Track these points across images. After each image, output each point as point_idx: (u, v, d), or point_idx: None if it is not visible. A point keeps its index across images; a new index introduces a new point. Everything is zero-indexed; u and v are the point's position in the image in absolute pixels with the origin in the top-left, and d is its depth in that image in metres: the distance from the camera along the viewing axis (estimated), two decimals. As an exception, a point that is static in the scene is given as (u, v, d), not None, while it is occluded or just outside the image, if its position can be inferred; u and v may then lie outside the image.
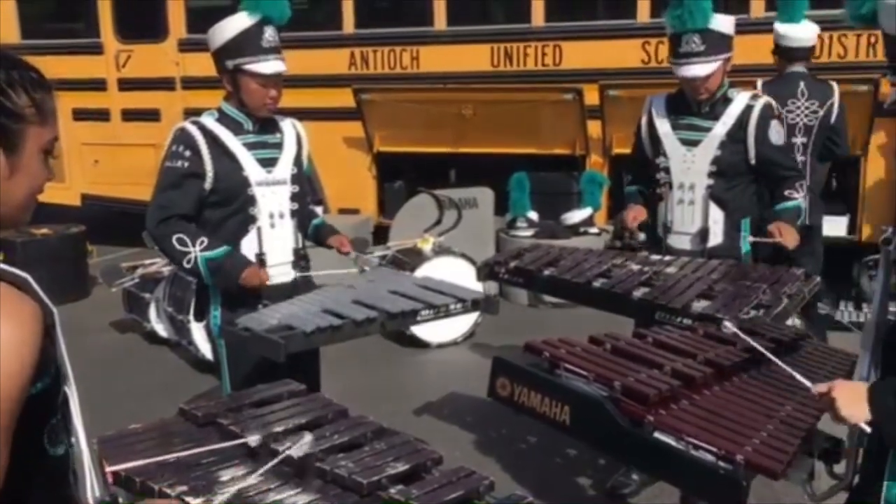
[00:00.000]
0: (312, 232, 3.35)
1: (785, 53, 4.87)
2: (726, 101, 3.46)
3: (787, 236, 3.33)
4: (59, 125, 1.37)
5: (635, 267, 3.28)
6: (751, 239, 3.43)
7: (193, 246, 2.94)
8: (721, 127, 3.44)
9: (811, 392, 1.81)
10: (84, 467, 1.36)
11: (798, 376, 1.88)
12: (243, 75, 2.98)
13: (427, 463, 1.90)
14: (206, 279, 3.01)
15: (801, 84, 4.84)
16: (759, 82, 4.89)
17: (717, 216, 3.47)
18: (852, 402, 1.71)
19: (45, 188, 1.36)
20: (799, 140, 4.86)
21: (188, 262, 2.96)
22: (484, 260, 3.70)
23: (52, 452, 1.27)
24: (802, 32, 4.85)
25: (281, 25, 3.04)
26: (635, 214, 3.58)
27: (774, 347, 2.36)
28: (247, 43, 2.94)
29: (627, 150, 4.08)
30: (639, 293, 3.03)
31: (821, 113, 4.84)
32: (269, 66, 2.97)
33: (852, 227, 6.32)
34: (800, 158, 4.76)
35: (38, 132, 1.30)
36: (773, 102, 3.53)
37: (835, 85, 4.93)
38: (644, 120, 3.65)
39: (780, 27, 4.82)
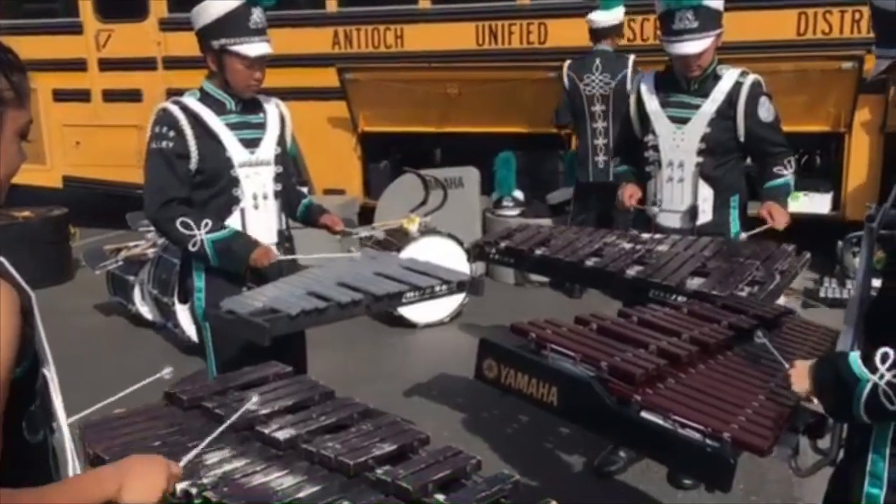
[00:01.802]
0: (302, 212, 3.33)
1: (592, 34, 5.97)
2: (716, 77, 3.45)
3: (778, 217, 3.36)
4: (31, 108, 1.34)
5: (627, 245, 3.28)
6: (744, 236, 3.41)
7: (198, 229, 2.92)
8: (710, 104, 3.43)
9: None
10: (66, 452, 1.35)
11: (786, 365, 1.90)
12: (229, 56, 2.94)
13: (414, 443, 1.90)
14: (213, 261, 2.99)
15: (597, 60, 5.90)
16: (567, 62, 5.98)
17: (706, 193, 3.47)
18: (801, 377, 1.80)
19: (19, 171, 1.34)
20: (598, 108, 5.94)
21: (194, 245, 2.94)
22: (474, 241, 3.69)
23: (31, 440, 1.26)
24: (604, 16, 5.93)
25: (269, 6, 3.00)
26: (631, 192, 3.57)
27: (758, 323, 2.37)
28: (234, 24, 2.90)
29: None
30: (632, 272, 3.03)
31: (613, 84, 5.83)
32: (255, 48, 2.94)
33: (836, 204, 6.36)
34: (601, 125, 5.87)
35: (14, 115, 1.28)
36: (761, 79, 3.52)
37: (630, 59, 5.84)
38: (633, 98, 3.64)
39: (590, 14, 5.95)
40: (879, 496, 1.74)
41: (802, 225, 4.55)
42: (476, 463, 1.81)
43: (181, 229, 2.93)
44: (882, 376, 1.61)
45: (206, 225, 2.93)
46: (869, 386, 1.63)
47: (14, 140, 1.29)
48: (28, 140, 1.32)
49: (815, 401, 1.81)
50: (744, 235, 3.42)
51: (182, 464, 1.55)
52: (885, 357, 1.62)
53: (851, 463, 1.82)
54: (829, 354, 1.78)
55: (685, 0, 3.25)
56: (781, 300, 3.14)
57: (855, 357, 1.67)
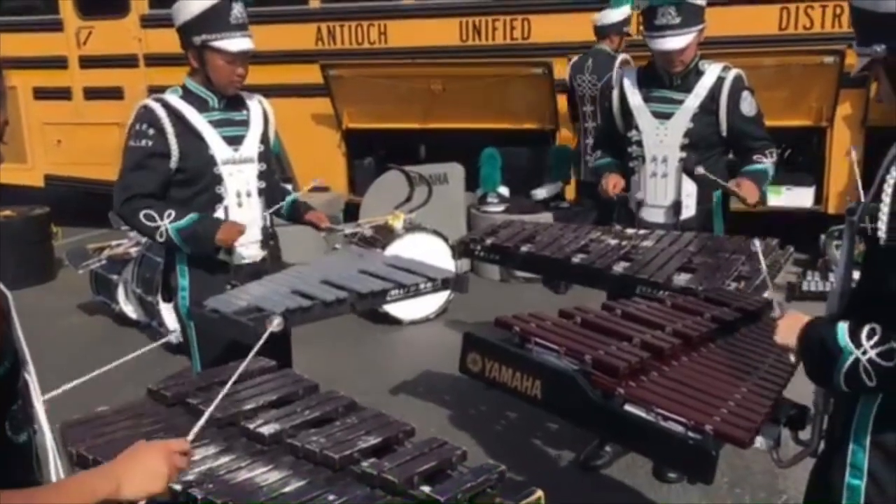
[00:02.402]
0: (288, 209, 3.32)
1: (595, 32, 5.96)
2: (698, 73, 3.47)
3: (748, 190, 3.37)
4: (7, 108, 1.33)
5: (612, 241, 3.29)
6: (700, 170, 3.32)
7: (162, 219, 2.92)
8: (693, 99, 3.45)
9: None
10: (48, 452, 1.34)
11: (777, 310, 1.91)
12: (210, 52, 2.92)
13: (399, 435, 1.91)
14: (184, 248, 2.98)
15: (590, 60, 5.92)
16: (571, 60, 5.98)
17: (689, 189, 3.48)
18: (789, 330, 1.81)
19: None
20: (588, 108, 5.98)
21: (160, 235, 2.93)
22: (459, 237, 3.69)
23: (15, 440, 1.25)
24: (603, 15, 5.92)
25: (249, 2, 2.99)
26: (615, 182, 3.56)
27: (741, 316, 2.39)
28: (215, 19, 2.89)
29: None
30: (619, 268, 3.04)
31: (600, 85, 5.82)
32: (237, 43, 2.92)
33: (818, 198, 6.40)
34: (591, 124, 5.89)
35: None
36: (743, 74, 3.54)
37: (618, 59, 5.80)
38: (615, 93, 3.65)
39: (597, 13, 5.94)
40: (860, 487, 1.76)
41: (785, 219, 4.60)
42: (462, 454, 1.82)
43: (146, 221, 2.92)
44: (865, 352, 1.62)
45: (170, 215, 2.92)
46: (851, 359, 1.64)
47: None
48: (4, 142, 1.30)
49: (792, 357, 1.83)
50: (701, 169, 3.32)
51: (190, 437, 1.52)
52: (871, 333, 1.63)
53: (832, 454, 1.83)
54: (821, 319, 1.79)
55: None
56: (766, 294, 3.16)
57: (843, 328, 1.68)
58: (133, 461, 1.31)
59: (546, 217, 6.07)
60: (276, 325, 1.68)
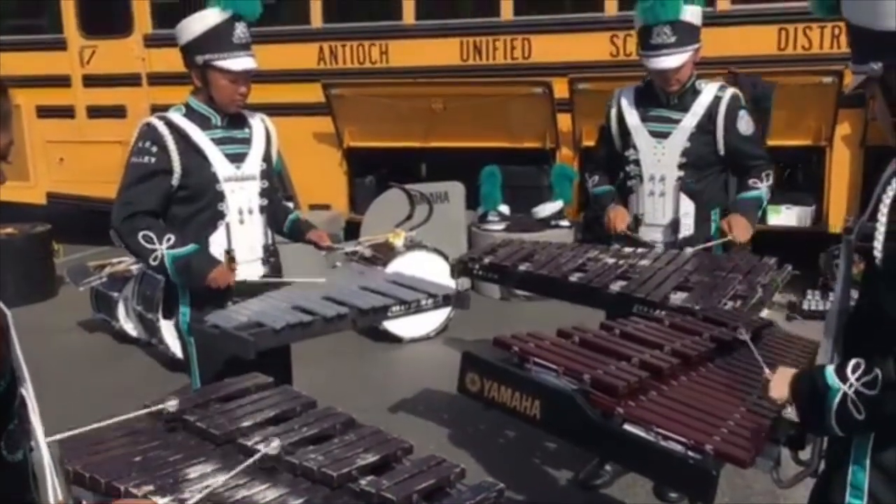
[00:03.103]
0: (289, 227, 3.33)
1: None
2: (695, 92, 3.49)
3: (738, 231, 3.40)
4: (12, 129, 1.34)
5: (610, 260, 3.29)
6: (689, 251, 3.36)
7: (160, 243, 2.90)
8: (690, 118, 3.46)
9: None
10: (45, 470, 1.33)
11: (766, 370, 1.92)
12: (213, 71, 2.95)
13: (397, 453, 1.90)
14: (173, 277, 2.97)
15: None
16: None
17: (687, 208, 3.50)
18: (780, 384, 1.82)
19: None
20: None
21: (154, 259, 2.91)
22: (458, 257, 3.70)
23: (11, 459, 1.24)
24: None
25: (252, 21, 3.02)
26: (622, 217, 3.57)
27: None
28: (218, 39, 2.91)
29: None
30: (616, 287, 3.04)
31: None
32: (240, 62, 2.94)
33: (818, 218, 6.41)
34: None
35: None
36: (740, 93, 3.56)
37: None
38: (613, 112, 3.65)
39: None
40: (861, 507, 1.75)
41: (785, 238, 4.61)
42: (460, 472, 1.81)
43: (143, 243, 2.90)
44: (851, 385, 1.62)
45: (169, 240, 2.91)
46: (839, 396, 1.64)
47: None
48: (8, 161, 1.31)
49: (790, 409, 1.83)
50: (690, 251, 3.37)
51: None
52: (856, 367, 1.63)
53: (832, 474, 1.82)
54: (811, 367, 1.80)
55: (662, 15, 3.28)
56: (764, 313, 3.17)
57: (830, 368, 1.68)
58: None
59: (546, 235, 6.07)
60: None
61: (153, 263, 2.93)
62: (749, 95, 4.99)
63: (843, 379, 1.64)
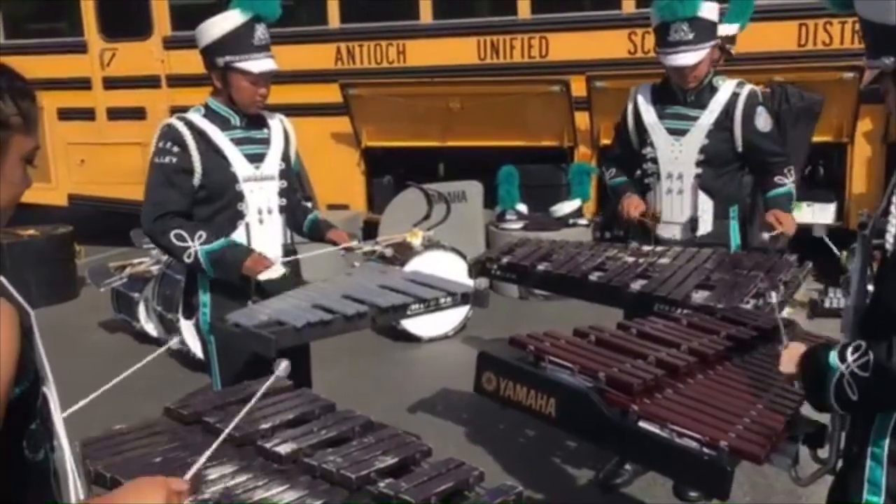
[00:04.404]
0: (309, 227, 3.35)
1: None
2: (712, 89, 3.47)
3: (786, 223, 3.38)
4: (39, 133, 1.36)
5: (629, 259, 3.27)
6: (766, 236, 3.38)
7: (192, 240, 2.94)
8: (708, 116, 3.44)
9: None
10: (67, 470, 1.35)
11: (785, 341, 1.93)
12: (234, 73, 2.97)
13: (416, 455, 1.91)
14: (209, 272, 3.00)
15: None
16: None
17: (706, 205, 3.48)
18: (790, 360, 1.84)
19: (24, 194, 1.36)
20: None
21: (188, 256, 2.95)
22: (475, 256, 3.69)
23: (33, 458, 1.26)
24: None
25: (272, 23, 3.04)
26: (636, 204, 3.55)
27: (757, 335, 2.38)
28: (238, 41, 2.93)
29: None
30: (636, 286, 3.02)
31: None
32: (260, 64, 2.96)
33: (840, 214, 6.36)
34: None
35: (21, 140, 1.30)
36: (758, 89, 3.54)
37: None
38: (630, 110, 3.64)
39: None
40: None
41: (807, 235, 4.54)
42: (479, 475, 1.82)
43: (175, 241, 2.93)
44: (848, 366, 1.66)
45: (201, 237, 2.94)
46: (836, 375, 1.68)
47: (19, 165, 1.31)
48: (34, 165, 1.34)
49: (797, 384, 1.86)
50: (766, 235, 3.38)
51: (187, 477, 1.53)
52: (856, 348, 1.66)
53: (850, 471, 1.82)
54: (818, 346, 1.82)
55: (680, 12, 3.27)
56: (786, 312, 3.15)
57: (835, 349, 1.71)
58: (133, 495, 1.30)
59: (564, 234, 6.06)
60: (282, 369, 1.71)
61: (188, 261, 2.96)
62: (794, 107, 4.93)
63: (843, 360, 1.67)
